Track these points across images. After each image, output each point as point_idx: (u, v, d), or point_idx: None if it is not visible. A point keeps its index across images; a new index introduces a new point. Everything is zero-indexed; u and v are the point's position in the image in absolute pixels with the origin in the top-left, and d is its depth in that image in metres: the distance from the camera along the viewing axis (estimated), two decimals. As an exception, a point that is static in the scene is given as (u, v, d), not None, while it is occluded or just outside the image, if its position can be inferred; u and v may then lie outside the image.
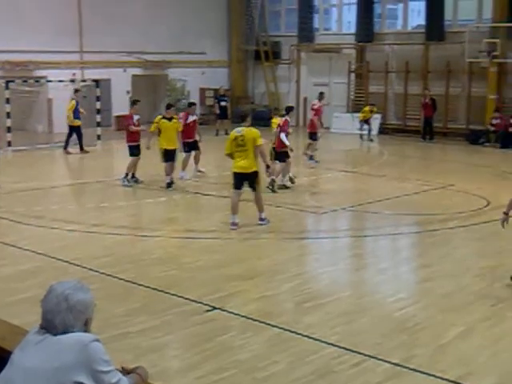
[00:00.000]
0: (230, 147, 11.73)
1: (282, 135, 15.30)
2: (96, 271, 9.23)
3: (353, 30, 29.11)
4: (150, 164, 16.62)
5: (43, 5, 25.08)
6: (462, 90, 26.12)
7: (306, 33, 29.81)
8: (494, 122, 24.24)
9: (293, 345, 6.81)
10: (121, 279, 8.93)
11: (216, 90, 28.61)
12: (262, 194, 12.04)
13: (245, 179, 11.77)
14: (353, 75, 29.17)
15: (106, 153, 22.93)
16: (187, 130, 16.60)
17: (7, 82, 21.82)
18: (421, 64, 26.87)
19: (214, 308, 7.81)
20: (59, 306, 3.29)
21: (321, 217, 13.34)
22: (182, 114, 16.91)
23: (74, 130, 21.34)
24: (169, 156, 15.49)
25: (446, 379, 6.02)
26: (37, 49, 24.29)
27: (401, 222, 12.70)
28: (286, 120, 15.70)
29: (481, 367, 6.36)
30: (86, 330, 3.37)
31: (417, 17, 29.77)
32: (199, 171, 17.23)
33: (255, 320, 7.44)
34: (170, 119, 15.65)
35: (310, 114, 20.44)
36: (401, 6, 29.03)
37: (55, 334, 3.29)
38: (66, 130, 21.82)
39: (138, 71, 28.42)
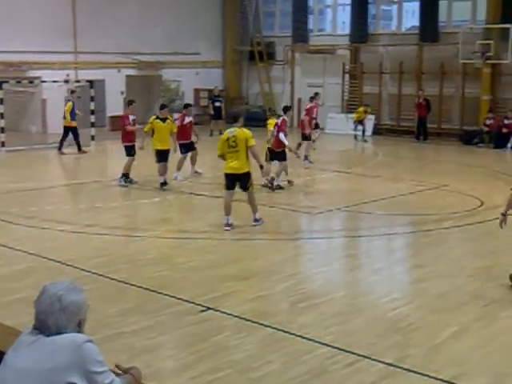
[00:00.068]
0: (222, 148, 11.69)
1: (281, 135, 15.31)
2: (89, 272, 9.21)
3: (347, 30, 29.16)
4: (144, 164, 16.62)
5: (37, 5, 25.04)
6: (455, 90, 26.20)
7: (300, 33, 29.84)
8: (488, 122, 24.31)
9: (287, 345, 6.81)
10: (114, 279, 8.91)
11: (210, 91, 28.61)
12: (254, 195, 12.00)
13: (236, 180, 11.72)
14: (347, 76, 29.21)
15: (100, 153, 22.89)
16: (184, 132, 16.59)
17: (1, 83, 21.77)
18: (415, 65, 26.93)
19: (208, 308, 7.80)
20: (52, 307, 3.29)
21: (315, 217, 13.35)
22: (178, 116, 16.91)
23: (70, 130, 21.35)
24: (162, 156, 15.49)
25: (439, 379, 6.03)
26: (31, 49, 24.24)
27: (395, 223, 12.72)
28: (283, 119, 15.73)
29: (474, 367, 6.37)
30: (80, 331, 3.36)
31: (411, 18, 29.81)
32: (196, 172, 17.21)
33: (249, 320, 7.44)
34: (163, 119, 15.65)
35: (303, 115, 20.55)
36: (395, 6, 29.09)
37: (48, 335, 3.28)
38: (60, 131, 21.80)
39: (132, 72, 28.40)
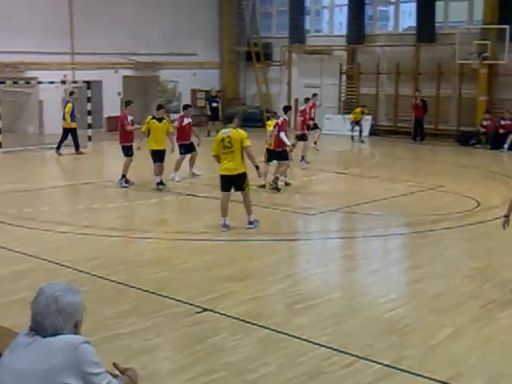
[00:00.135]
0: (216, 148, 11.66)
1: (282, 134, 15.32)
2: (87, 273, 9.21)
3: (344, 31, 29.17)
4: (142, 165, 16.60)
5: (34, 6, 25.00)
6: (452, 91, 26.22)
7: (297, 34, 29.84)
8: (485, 123, 24.32)
9: (283, 346, 6.82)
10: (112, 281, 8.91)
11: (207, 92, 28.61)
12: (250, 196, 11.97)
13: (232, 181, 11.65)
14: (344, 77, 29.21)
15: (97, 154, 22.87)
16: (183, 133, 16.63)
17: (-2, 84, 21.77)
18: (412, 65, 26.95)
19: (205, 309, 7.81)
20: (49, 308, 3.29)
21: (312, 218, 13.36)
22: (176, 116, 16.91)
23: (69, 132, 21.36)
24: (157, 156, 15.51)
25: (436, 380, 6.04)
26: (27, 50, 24.22)
27: (392, 223, 12.74)
28: (284, 119, 15.74)
29: (470, 368, 6.39)
30: (76, 332, 3.36)
31: (408, 18, 29.84)
32: (194, 174, 17.16)
33: (246, 321, 7.45)
34: (160, 119, 15.67)
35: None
36: (392, 7, 29.12)
37: (45, 336, 3.28)
38: (57, 132, 21.79)
39: (129, 72, 28.37)
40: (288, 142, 15.53)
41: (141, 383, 3.69)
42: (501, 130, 23.78)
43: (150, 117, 15.93)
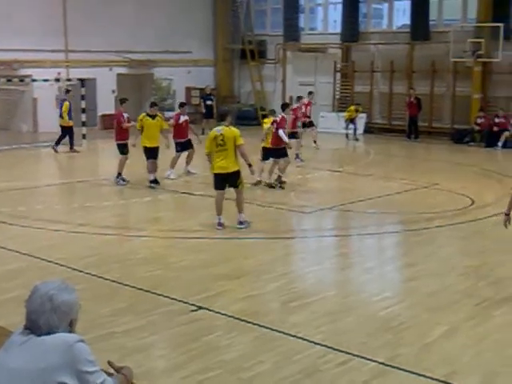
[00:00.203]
0: (209, 146, 11.63)
1: (281, 132, 15.32)
2: (81, 271, 9.19)
3: (338, 29, 29.17)
4: (136, 163, 16.57)
5: (28, 3, 24.93)
6: (446, 89, 26.25)
7: (291, 32, 29.84)
8: (479, 121, 24.36)
9: (278, 344, 6.82)
10: (106, 279, 8.90)
11: (202, 89, 28.58)
12: (243, 195, 11.90)
13: (225, 179, 11.62)
14: (338, 75, 29.23)
15: (91, 152, 22.81)
16: (180, 130, 16.66)
17: (-9, 81, 21.72)
18: (406, 63, 26.98)
19: (200, 308, 7.80)
20: (43, 307, 3.28)
21: (307, 216, 13.35)
22: (172, 114, 16.90)
23: (66, 130, 21.30)
24: (150, 153, 15.51)
25: (430, 378, 6.05)
26: (21, 47, 24.13)
27: (386, 221, 12.76)
28: (282, 117, 15.73)
29: (465, 366, 6.40)
30: (71, 331, 3.35)
31: (402, 16, 29.89)
32: (189, 172, 17.16)
33: (241, 320, 7.44)
34: (153, 117, 15.66)
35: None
36: (386, 5, 29.14)
37: (39, 335, 3.27)
38: (51, 130, 21.75)
39: (123, 70, 28.31)
40: (286, 140, 15.54)
41: (136, 381, 3.69)
42: (495, 128, 23.80)
43: (144, 114, 15.93)
